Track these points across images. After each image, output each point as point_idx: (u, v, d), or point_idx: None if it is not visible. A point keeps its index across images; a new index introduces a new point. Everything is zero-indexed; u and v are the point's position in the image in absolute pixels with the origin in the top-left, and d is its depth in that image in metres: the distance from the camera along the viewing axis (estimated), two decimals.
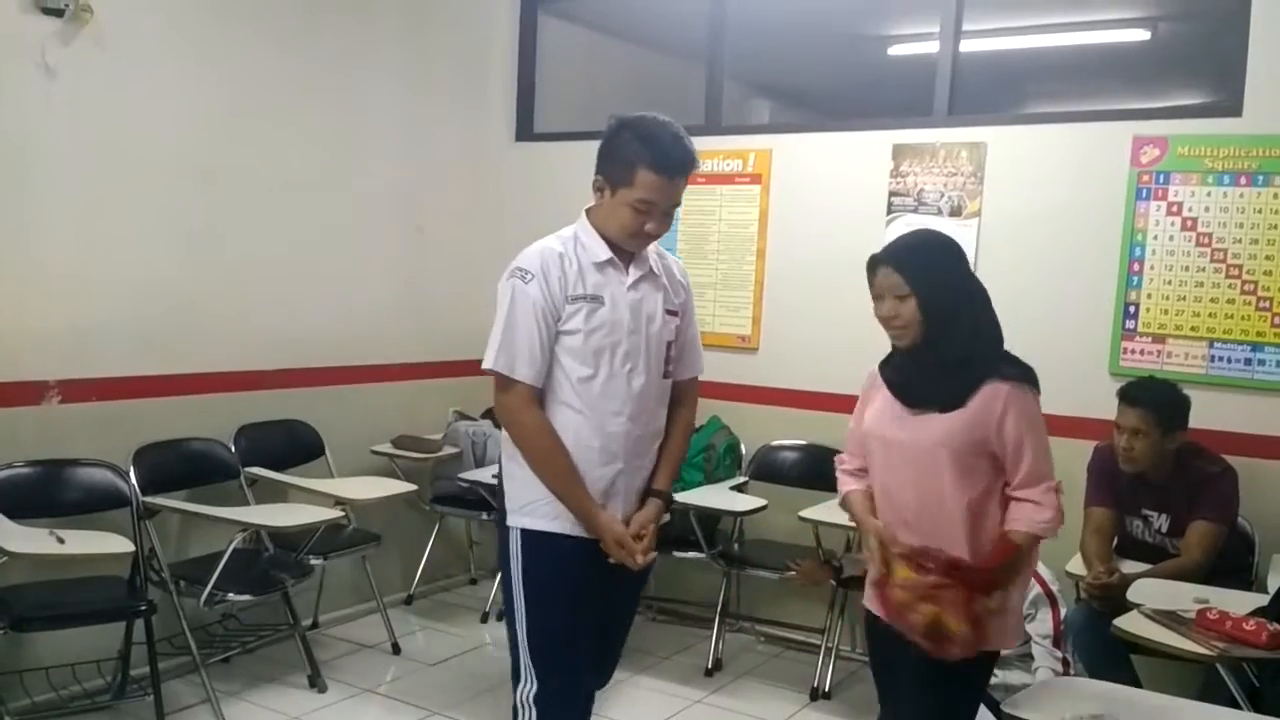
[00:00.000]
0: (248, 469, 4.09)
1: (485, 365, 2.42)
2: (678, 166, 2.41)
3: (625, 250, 2.48)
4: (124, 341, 3.78)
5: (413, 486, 4.36)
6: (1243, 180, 3.70)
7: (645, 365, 2.50)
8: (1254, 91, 3.66)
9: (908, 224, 4.17)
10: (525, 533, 2.47)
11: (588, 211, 2.52)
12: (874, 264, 2.40)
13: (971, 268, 2.47)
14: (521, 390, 2.41)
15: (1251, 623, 2.66)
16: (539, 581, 2.47)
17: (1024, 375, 2.35)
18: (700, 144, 4.69)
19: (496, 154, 5.27)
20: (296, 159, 4.33)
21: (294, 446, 4.34)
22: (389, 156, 4.75)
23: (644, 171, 2.37)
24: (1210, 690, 2.92)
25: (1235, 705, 2.78)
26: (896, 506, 2.40)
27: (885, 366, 2.49)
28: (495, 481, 4.50)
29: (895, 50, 5.97)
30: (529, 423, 2.43)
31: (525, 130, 5.33)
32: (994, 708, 2.92)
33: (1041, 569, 3.53)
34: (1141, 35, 5.63)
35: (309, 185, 4.39)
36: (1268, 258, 3.67)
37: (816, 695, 4.04)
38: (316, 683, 3.89)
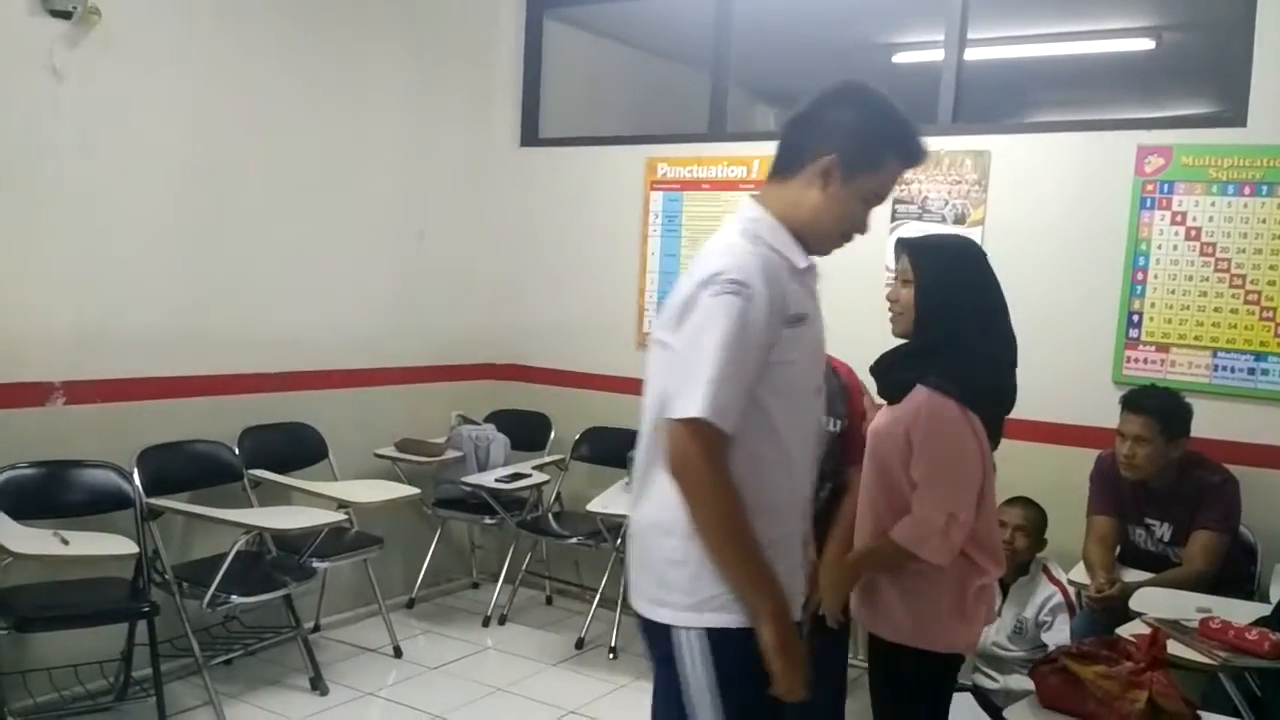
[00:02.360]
0: (251, 471, 4.09)
1: (690, 413, 1.75)
2: (922, 159, 2.00)
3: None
4: (129, 343, 3.78)
5: (416, 490, 4.37)
6: (1247, 190, 3.70)
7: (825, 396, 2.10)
8: (1258, 102, 3.66)
9: (907, 231, 4.17)
10: (716, 634, 1.84)
11: (762, 202, 1.97)
12: (897, 248, 2.46)
13: (987, 283, 2.40)
14: (722, 446, 1.80)
15: (1254, 632, 2.66)
16: (742, 693, 1.85)
17: (951, 387, 2.26)
18: (704, 150, 4.81)
19: (501, 159, 5.28)
20: (301, 163, 4.34)
21: (297, 449, 4.35)
22: (394, 161, 4.76)
23: (893, 160, 1.95)
24: (1212, 699, 2.92)
25: (1237, 714, 2.79)
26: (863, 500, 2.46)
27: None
28: (498, 485, 4.58)
29: (899, 58, 5.98)
30: (730, 489, 1.81)
31: (530, 135, 5.34)
32: (996, 713, 2.92)
33: (1062, 576, 3.53)
34: (1146, 45, 5.65)
35: (314, 188, 4.40)
36: (1271, 268, 3.67)
37: None
38: (318, 685, 3.89)
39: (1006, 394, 2.39)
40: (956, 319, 2.32)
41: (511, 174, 5.29)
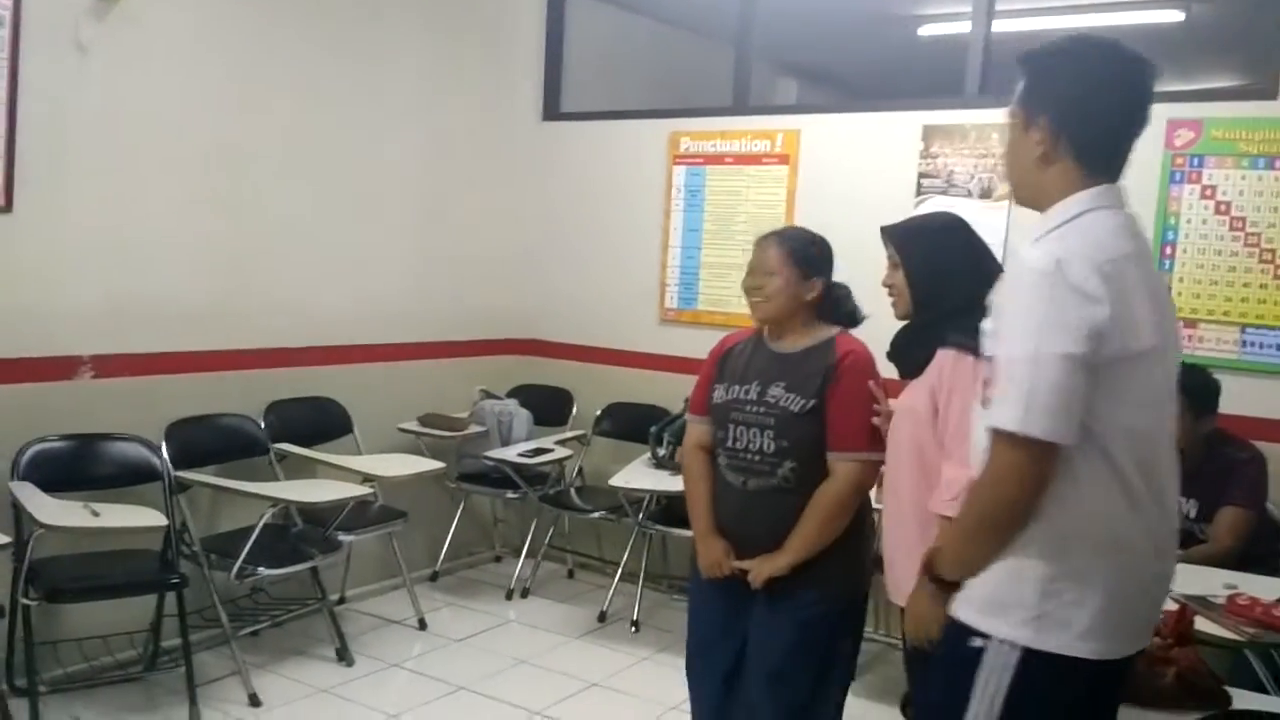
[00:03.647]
0: (277, 445, 4.12)
1: None
2: None
3: None
4: (155, 318, 3.81)
5: (441, 465, 4.37)
6: (1278, 164, 3.65)
7: None
8: None
9: (936, 205, 4.15)
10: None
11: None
12: (882, 235, 2.49)
13: (979, 251, 2.42)
14: None
15: None
16: None
17: (970, 343, 2.08)
18: (728, 124, 4.79)
19: (523, 133, 5.27)
20: (324, 137, 4.35)
21: (322, 423, 4.38)
22: (416, 136, 4.76)
23: None
24: (1239, 675, 2.91)
25: (1262, 689, 2.78)
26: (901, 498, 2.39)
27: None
28: (520, 460, 4.60)
29: (926, 30, 5.93)
30: None
31: (552, 110, 5.32)
32: None
33: None
34: (1176, 16, 5.57)
35: (336, 163, 4.41)
36: None
37: None
38: (344, 656, 3.94)
39: None
40: (952, 295, 2.31)
41: (533, 148, 5.28)
